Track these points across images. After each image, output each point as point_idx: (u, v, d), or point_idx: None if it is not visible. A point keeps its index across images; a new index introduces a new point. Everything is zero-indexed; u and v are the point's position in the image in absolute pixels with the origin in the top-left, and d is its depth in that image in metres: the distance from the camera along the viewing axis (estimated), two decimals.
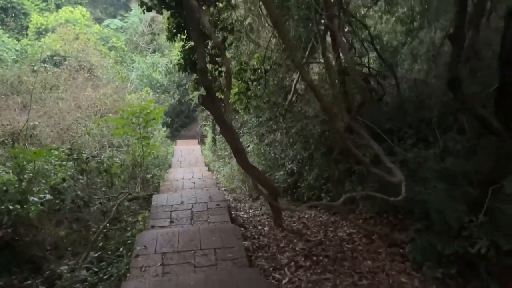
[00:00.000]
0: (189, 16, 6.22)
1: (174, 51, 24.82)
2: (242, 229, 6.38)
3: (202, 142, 22.33)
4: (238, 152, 5.99)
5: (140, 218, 6.43)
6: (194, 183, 9.11)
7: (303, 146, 10.03)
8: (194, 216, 6.27)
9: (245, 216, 7.73)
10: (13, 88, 13.13)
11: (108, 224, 6.00)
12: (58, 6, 28.07)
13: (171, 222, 6.02)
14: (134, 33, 28.97)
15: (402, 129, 7.68)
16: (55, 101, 12.62)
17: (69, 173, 7.27)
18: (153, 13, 28.76)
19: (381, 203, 6.59)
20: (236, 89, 9.82)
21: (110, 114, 11.38)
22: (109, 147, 10.88)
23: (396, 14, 10.67)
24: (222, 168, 13.81)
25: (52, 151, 7.79)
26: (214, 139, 16.30)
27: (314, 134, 9.82)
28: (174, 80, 23.92)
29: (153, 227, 5.83)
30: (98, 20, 29.67)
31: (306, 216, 7.63)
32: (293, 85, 10.72)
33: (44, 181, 7.13)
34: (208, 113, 20.67)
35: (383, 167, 5.67)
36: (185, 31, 8.49)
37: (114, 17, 30.79)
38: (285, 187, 9.80)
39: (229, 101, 11.33)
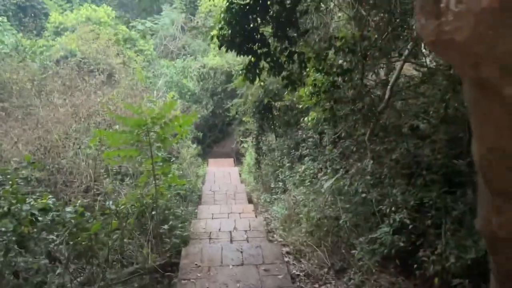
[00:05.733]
0: None
1: (209, 55, 21.48)
2: None
3: (238, 161, 18.62)
4: None
5: None
6: (241, 251, 5.16)
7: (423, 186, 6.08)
8: None
9: None
10: None
11: None
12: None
13: None
14: (165, 36, 25.83)
15: None
16: (49, 108, 9.12)
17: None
18: (186, 14, 25.73)
19: None
20: (310, 87, 5.88)
21: (117, 127, 7.71)
22: (108, 175, 7.15)
23: None
24: (271, 204, 9.86)
25: None
26: (258, 162, 12.39)
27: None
28: (207, 88, 20.38)
29: None
30: (127, 22, 26.78)
31: None
32: (392, 82, 6.69)
33: None
34: (247, 127, 16.95)
35: None
36: None
37: (144, 19, 27.86)
38: (392, 254, 5.74)
39: (301, 106, 7.43)
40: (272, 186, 10.00)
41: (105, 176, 6.99)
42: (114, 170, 7.16)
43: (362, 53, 5.39)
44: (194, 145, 15.70)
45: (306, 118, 7.70)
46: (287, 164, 9.70)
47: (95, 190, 6.40)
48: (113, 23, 22.80)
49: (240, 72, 4.91)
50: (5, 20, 17.44)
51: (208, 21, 22.76)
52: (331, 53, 5.41)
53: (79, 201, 4.41)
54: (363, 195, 6.56)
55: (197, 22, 26.42)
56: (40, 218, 3.73)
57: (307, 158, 9.23)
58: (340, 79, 5.87)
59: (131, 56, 20.64)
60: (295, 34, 5.03)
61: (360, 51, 5.35)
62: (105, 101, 8.68)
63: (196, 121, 19.39)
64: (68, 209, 4.39)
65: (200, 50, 24.91)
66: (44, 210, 3.65)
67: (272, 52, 4.98)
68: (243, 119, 14.67)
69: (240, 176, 14.84)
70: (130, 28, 24.52)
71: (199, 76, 19.93)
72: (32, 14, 22.94)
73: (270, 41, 4.89)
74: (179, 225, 6.50)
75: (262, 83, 10.30)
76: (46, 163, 7.27)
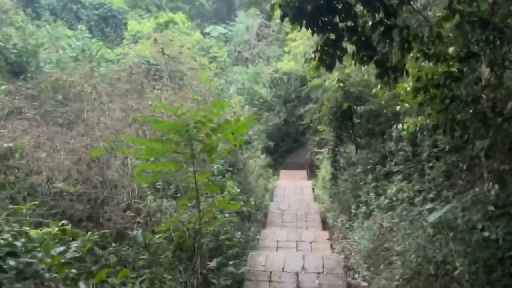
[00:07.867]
0: None
1: (283, 60, 20.25)
2: None
3: (312, 173, 16.99)
4: None
5: None
6: None
7: None
8: None
9: None
10: (56, 94, 9.32)
11: None
12: None
13: None
14: (239, 43, 25.09)
15: None
16: (101, 113, 8.40)
17: None
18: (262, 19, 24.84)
19: None
20: (412, 80, 4.17)
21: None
22: (154, 190, 6.03)
23: None
24: (351, 230, 8.11)
25: None
26: (335, 177, 10.66)
27: None
28: (280, 94, 19.08)
29: None
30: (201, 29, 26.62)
31: None
32: None
33: None
34: (323, 137, 15.26)
35: None
36: None
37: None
38: None
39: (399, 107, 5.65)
40: (353, 209, 8.22)
41: (148, 192, 5.86)
42: (160, 185, 6.01)
43: (497, 27, 3.55)
44: (263, 156, 14.36)
45: (399, 126, 5.89)
46: (372, 183, 7.89)
47: (129, 211, 5.26)
48: (188, 30, 22.61)
49: (313, 54, 3.40)
50: (84, 28, 17.74)
51: (285, 27, 21.65)
52: (446, 27, 3.67)
53: (89, 233, 3.20)
54: (486, 233, 4.65)
55: (273, 29, 25.50)
56: (12, 263, 2.56)
57: (397, 176, 7.40)
58: (456, 68, 4.08)
59: (204, 63, 20.18)
60: (396, 0, 3.41)
61: (496, 22, 3.53)
62: (156, 105, 7.67)
63: (268, 130, 18.26)
64: (75, 243, 3.22)
65: (274, 56, 23.84)
66: (12, 255, 2.47)
67: (360, 28, 3.41)
68: (318, 127, 13.03)
69: (314, 191, 13.18)
70: (204, 35, 24.22)
71: (272, 82, 18.69)
72: (113, 25, 23.58)
73: (357, 10, 3.34)
74: (233, 259, 5.10)
75: (341, 84, 8.65)
76: (89, 175, 6.36)
